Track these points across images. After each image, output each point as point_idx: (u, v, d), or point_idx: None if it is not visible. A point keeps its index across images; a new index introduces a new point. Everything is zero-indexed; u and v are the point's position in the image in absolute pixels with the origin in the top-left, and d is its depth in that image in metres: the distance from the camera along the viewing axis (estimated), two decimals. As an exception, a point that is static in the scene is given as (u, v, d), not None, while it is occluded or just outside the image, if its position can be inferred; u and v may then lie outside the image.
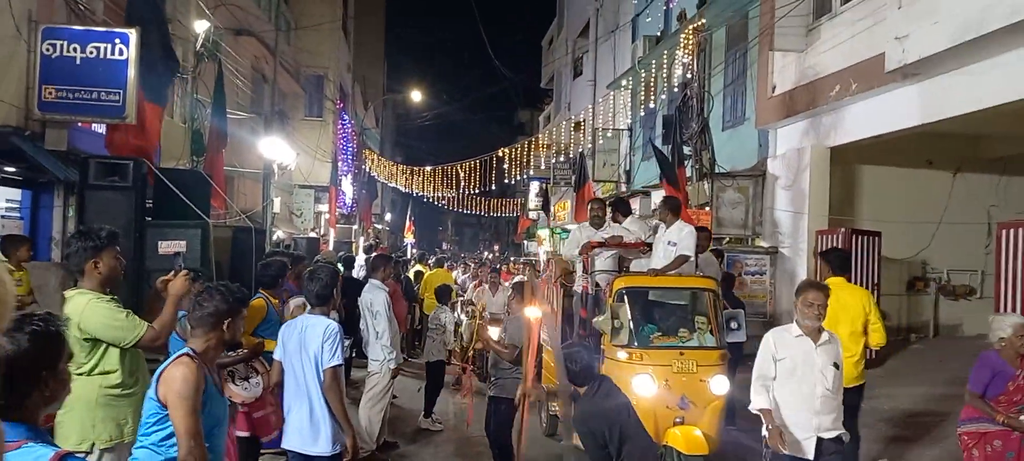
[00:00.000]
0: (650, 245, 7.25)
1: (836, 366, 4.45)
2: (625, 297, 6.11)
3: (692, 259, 6.81)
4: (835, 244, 9.82)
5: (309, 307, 4.65)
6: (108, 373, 3.72)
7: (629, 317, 6.00)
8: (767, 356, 4.54)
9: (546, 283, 8.25)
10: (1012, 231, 7.45)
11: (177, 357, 3.12)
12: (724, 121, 13.72)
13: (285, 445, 4.52)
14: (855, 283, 9.65)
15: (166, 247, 6.86)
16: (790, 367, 4.44)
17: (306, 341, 4.35)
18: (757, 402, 4.55)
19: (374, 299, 7.11)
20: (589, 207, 8.24)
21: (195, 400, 2.99)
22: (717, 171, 11.93)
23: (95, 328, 3.63)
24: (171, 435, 3.04)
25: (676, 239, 6.79)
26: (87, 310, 3.64)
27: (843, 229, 10.08)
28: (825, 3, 10.42)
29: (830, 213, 10.64)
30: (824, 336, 4.47)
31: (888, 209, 10.87)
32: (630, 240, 7.52)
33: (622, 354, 5.86)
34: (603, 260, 7.35)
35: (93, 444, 3.65)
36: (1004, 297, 7.47)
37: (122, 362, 3.75)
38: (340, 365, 4.38)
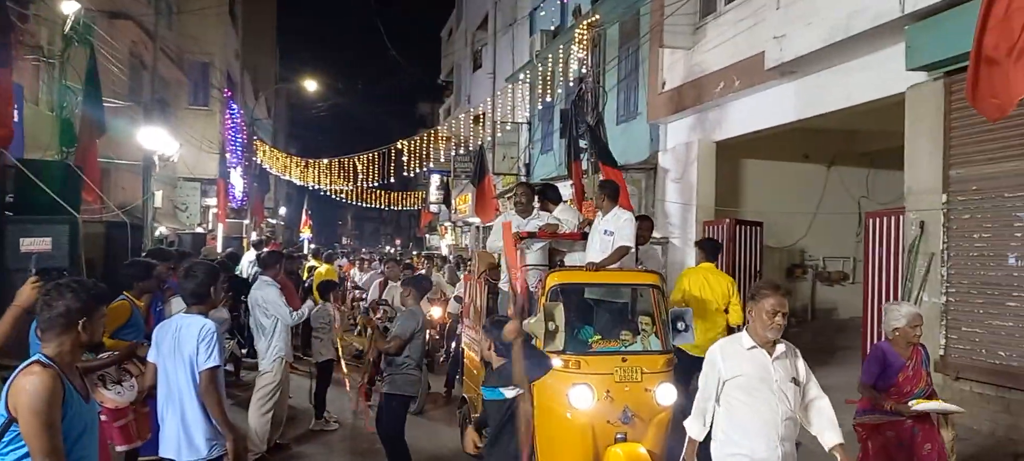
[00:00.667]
0: (586, 235, 6.46)
1: (795, 382, 3.73)
2: (559, 295, 5.45)
3: (633, 251, 6.10)
4: (720, 234, 10.27)
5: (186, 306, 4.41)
6: None
7: (564, 319, 5.27)
8: (713, 374, 3.79)
9: (468, 279, 7.54)
10: (878, 220, 7.98)
11: (27, 365, 2.82)
12: (618, 115, 14.04)
13: (162, 452, 4.26)
14: (739, 270, 10.20)
15: (29, 244, 6.38)
16: (744, 386, 3.68)
17: (181, 342, 4.10)
18: (691, 428, 3.94)
19: (265, 296, 6.87)
20: (514, 193, 7.24)
21: (50, 413, 2.70)
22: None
23: None
24: (28, 454, 2.78)
25: (614, 228, 6.01)
26: None
27: (728, 220, 10.53)
28: (710, 2, 10.83)
29: (716, 204, 11.10)
30: (780, 348, 3.71)
31: (769, 200, 11.45)
32: (564, 230, 6.74)
33: (557, 361, 5.13)
34: (533, 253, 6.53)
35: None
36: (871, 281, 8.00)
37: None
38: (217, 367, 4.15)
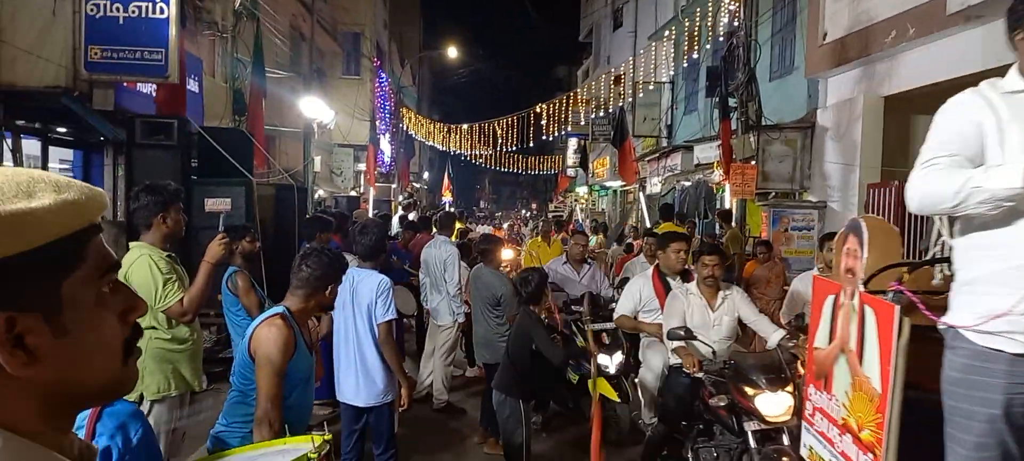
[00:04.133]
0: None
1: None
2: None
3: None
4: (887, 198, 9.54)
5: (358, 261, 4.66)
6: (155, 327, 3.75)
7: None
8: None
9: (836, 292, 2.80)
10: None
11: (269, 316, 3.13)
12: (771, 71, 13.31)
13: (339, 398, 4.55)
14: (909, 237, 9.47)
15: (212, 204, 6.94)
16: None
17: (358, 295, 4.36)
18: None
19: (445, 255, 7.13)
20: None
21: (280, 363, 2.98)
22: (764, 123, 11.60)
23: (134, 285, 3.63)
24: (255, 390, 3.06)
25: None
26: (132, 266, 3.67)
27: (896, 182, 9.73)
28: (881, -56, 9.93)
29: (883, 165, 10.29)
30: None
31: (944, 160, 10.48)
32: None
33: None
34: None
35: (141, 395, 3.70)
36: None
37: (167, 318, 3.77)
38: (395, 319, 4.39)
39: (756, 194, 11.46)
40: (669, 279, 5.59)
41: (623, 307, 5.82)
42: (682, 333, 4.60)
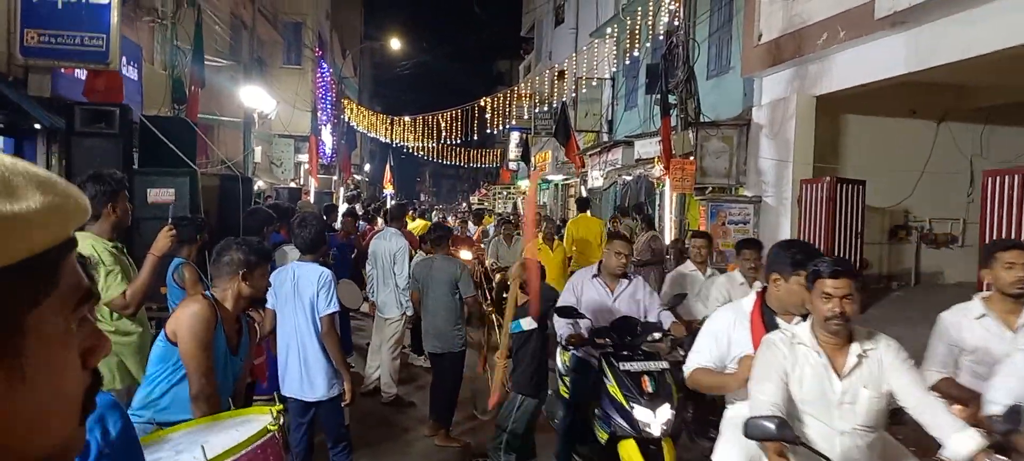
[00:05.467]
0: None
1: None
2: None
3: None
4: (819, 193, 9.99)
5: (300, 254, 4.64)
6: (99, 320, 3.69)
7: None
8: None
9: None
10: (998, 178, 7.58)
11: (190, 297, 3.10)
12: (709, 70, 13.71)
13: (284, 392, 4.54)
14: (839, 231, 9.95)
15: (155, 195, 6.78)
16: None
17: (300, 288, 4.35)
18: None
19: (395, 247, 7.08)
20: None
21: (205, 335, 2.91)
22: (702, 120, 11.96)
23: None
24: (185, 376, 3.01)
25: None
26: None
27: (828, 178, 10.20)
28: (814, -50, 10.35)
29: (814, 162, 10.75)
30: None
31: (872, 158, 11.00)
32: None
33: None
34: None
35: None
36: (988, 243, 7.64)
37: (109, 311, 3.72)
38: (336, 312, 4.39)
39: (695, 189, 11.80)
40: (780, 321, 3.21)
41: (699, 356, 3.41)
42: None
